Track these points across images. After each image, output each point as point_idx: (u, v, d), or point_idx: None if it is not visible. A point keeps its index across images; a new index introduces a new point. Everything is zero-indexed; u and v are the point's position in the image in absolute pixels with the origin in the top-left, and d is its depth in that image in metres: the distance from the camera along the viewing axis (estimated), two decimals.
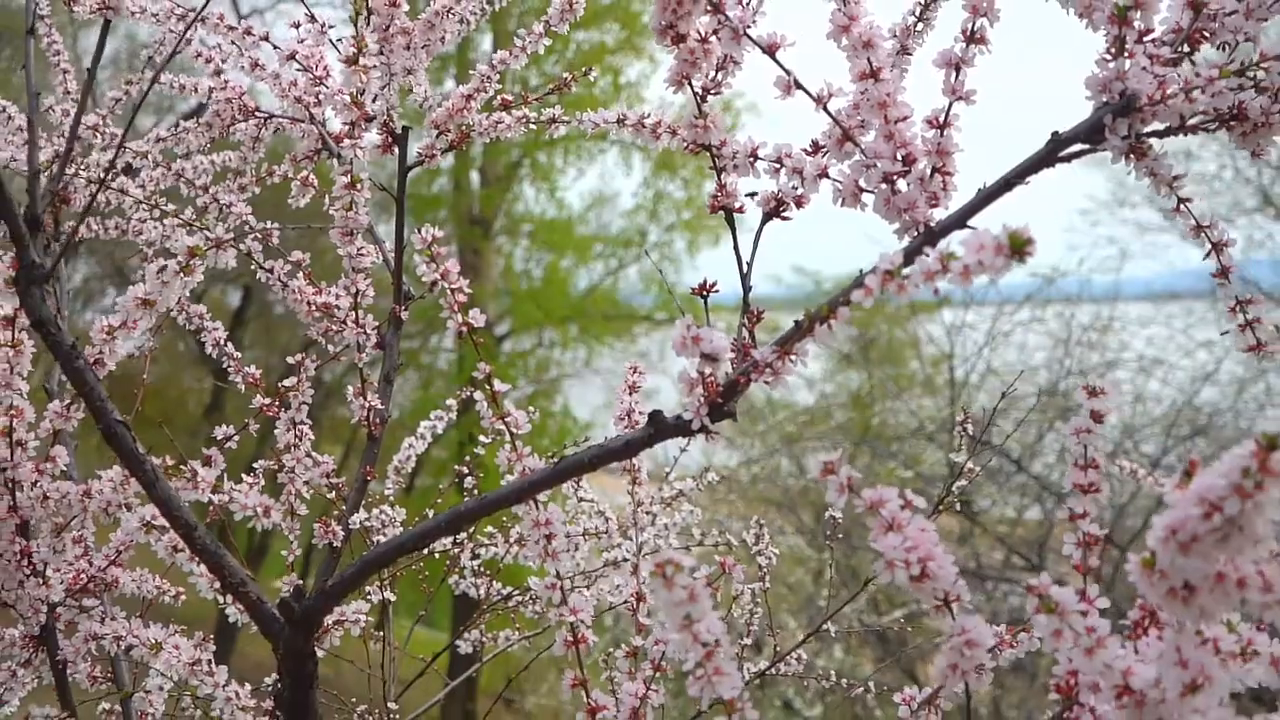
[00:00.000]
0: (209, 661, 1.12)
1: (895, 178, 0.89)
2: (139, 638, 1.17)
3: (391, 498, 1.81)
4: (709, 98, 0.98)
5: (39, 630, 1.28)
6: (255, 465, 1.43)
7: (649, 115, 1.24)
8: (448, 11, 1.39)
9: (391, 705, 1.71)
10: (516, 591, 1.96)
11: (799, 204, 0.98)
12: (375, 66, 1.24)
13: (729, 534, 2.12)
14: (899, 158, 0.89)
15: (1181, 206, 0.86)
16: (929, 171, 0.88)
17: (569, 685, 1.02)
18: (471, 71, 1.54)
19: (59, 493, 1.21)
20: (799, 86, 0.91)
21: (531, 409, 1.17)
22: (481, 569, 1.92)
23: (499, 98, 1.56)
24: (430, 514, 1.66)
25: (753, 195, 0.99)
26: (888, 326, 9.79)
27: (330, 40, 1.46)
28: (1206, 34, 0.85)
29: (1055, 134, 0.84)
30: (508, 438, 1.01)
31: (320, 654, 1.20)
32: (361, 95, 1.22)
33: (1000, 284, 0.72)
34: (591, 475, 2.05)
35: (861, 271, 0.78)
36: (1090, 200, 8.92)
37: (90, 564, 1.30)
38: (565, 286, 11.70)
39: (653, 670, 1.03)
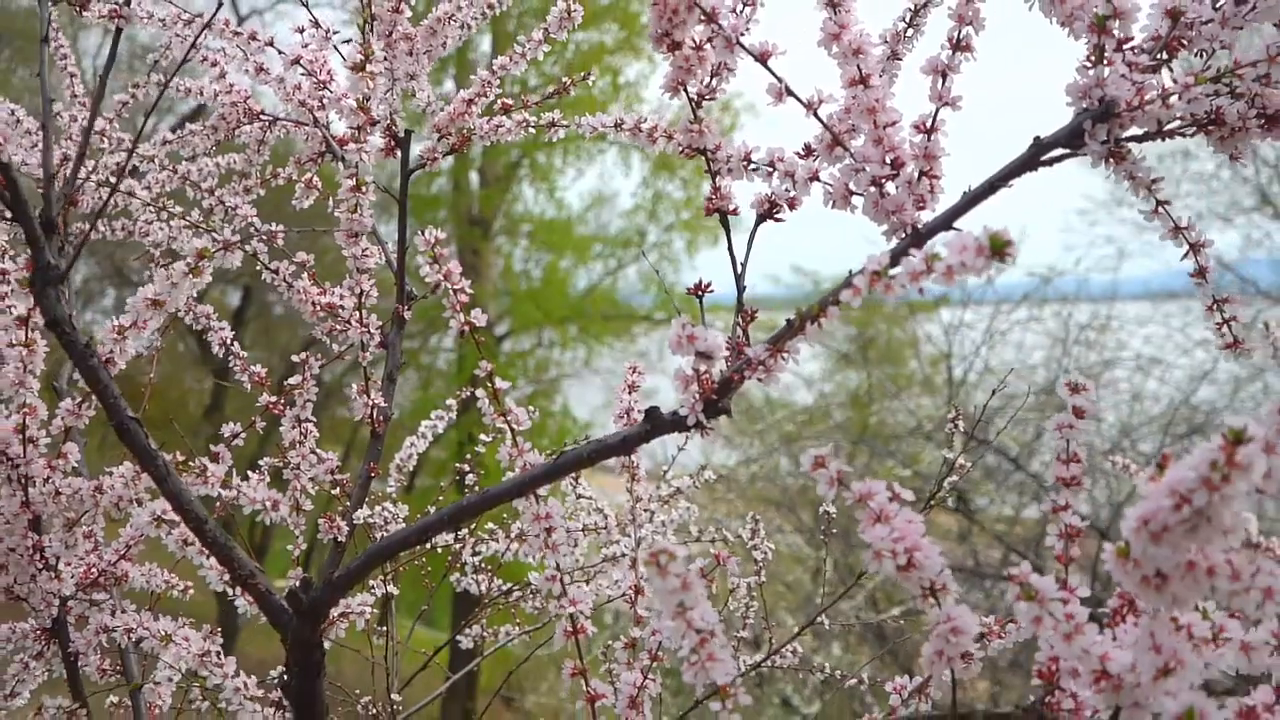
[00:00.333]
0: (218, 653, 1.15)
1: (884, 181, 0.92)
2: (149, 630, 1.20)
3: (394, 494, 1.84)
4: (704, 103, 1.01)
5: (51, 623, 1.32)
6: (260, 463, 1.46)
7: (645, 120, 1.27)
8: (449, 18, 1.42)
9: (395, 697, 1.74)
10: (516, 587, 1.98)
11: (792, 205, 1.01)
12: (380, 74, 1.27)
13: (727, 532, 2.15)
14: (887, 161, 0.92)
15: (1160, 209, 0.89)
16: (916, 175, 0.91)
17: (569, 674, 1.05)
18: (472, 76, 1.57)
19: (71, 488, 1.24)
20: (790, 93, 0.93)
21: (531, 409, 1.20)
22: (482, 565, 1.95)
23: (499, 101, 1.59)
24: (432, 511, 1.68)
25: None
26: (886, 326, 9.82)
27: (334, 45, 1.48)
28: (1184, 42, 0.88)
29: (1037, 139, 0.87)
30: (508, 434, 1.04)
31: (326, 645, 1.23)
32: (367, 101, 1.24)
33: (998, 283, 0.75)
34: (591, 475, 2.09)
35: (851, 272, 0.81)
36: (1088, 200, 8.95)
37: (100, 558, 1.33)
38: (564, 287, 11.73)
39: (650, 660, 1.06)
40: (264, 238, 1.52)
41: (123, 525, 1.35)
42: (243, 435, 1.39)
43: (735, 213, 1.04)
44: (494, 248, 11.71)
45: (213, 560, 1.18)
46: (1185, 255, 0.90)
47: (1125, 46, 0.87)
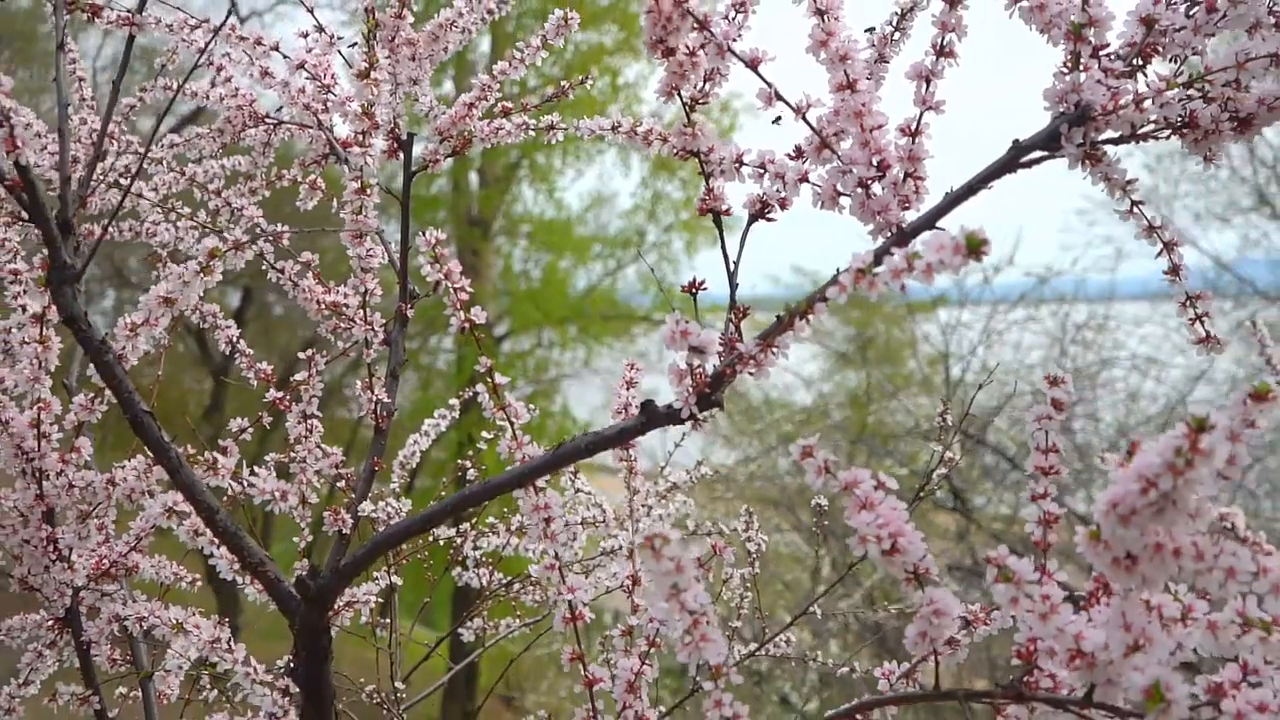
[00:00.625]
0: (228, 640, 1.18)
1: (870, 182, 0.95)
2: (161, 618, 1.24)
3: (396, 491, 1.88)
4: (697, 107, 1.04)
5: (64, 613, 1.35)
6: (266, 458, 1.49)
7: (641, 123, 1.30)
8: (451, 24, 1.46)
9: (398, 685, 1.77)
10: (517, 580, 2.02)
11: (783, 206, 1.04)
12: (383, 79, 1.31)
13: (723, 525, 2.18)
14: (874, 164, 0.95)
15: (1134, 209, 0.92)
16: (902, 176, 0.95)
17: (567, 659, 1.09)
18: (471, 78, 1.61)
19: (84, 481, 1.27)
20: (779, 98, 0.97)
21: (531, 408, 1.24)
22: (483, 559, 1.99)
23: (499, 104, 1.62)
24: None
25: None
26: (885, 326, 9.85)
27: (339, 51, 1.52)
28: (1159, 48, 0.92)
29: (1016, 142, 0.91)
30: (508, 427, 1.07)
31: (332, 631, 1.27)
32: (372, 107, 1.28)
33: (995, 284, 0.79)
34: (590, 476, 2.12)
35: (838, 270, 0.85)
36: (1087, 200, 8.98)
37: (111, 550, 1.36)
38: (564, 287, 11.76)
39: (647, 646, 1.09)
40: (270, 238, 1.56)
41: (132, 518, 1.38)
42: (249, 430, 1.43)
43: (729, 213, 1.07)
44: (493, 248, 11.75)
45: (223, 550, 1.21)
46: (1159, 254, 0.93)
47: (1101, 53, 0.91)
